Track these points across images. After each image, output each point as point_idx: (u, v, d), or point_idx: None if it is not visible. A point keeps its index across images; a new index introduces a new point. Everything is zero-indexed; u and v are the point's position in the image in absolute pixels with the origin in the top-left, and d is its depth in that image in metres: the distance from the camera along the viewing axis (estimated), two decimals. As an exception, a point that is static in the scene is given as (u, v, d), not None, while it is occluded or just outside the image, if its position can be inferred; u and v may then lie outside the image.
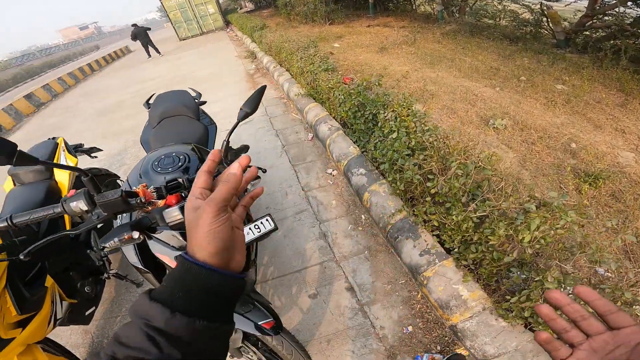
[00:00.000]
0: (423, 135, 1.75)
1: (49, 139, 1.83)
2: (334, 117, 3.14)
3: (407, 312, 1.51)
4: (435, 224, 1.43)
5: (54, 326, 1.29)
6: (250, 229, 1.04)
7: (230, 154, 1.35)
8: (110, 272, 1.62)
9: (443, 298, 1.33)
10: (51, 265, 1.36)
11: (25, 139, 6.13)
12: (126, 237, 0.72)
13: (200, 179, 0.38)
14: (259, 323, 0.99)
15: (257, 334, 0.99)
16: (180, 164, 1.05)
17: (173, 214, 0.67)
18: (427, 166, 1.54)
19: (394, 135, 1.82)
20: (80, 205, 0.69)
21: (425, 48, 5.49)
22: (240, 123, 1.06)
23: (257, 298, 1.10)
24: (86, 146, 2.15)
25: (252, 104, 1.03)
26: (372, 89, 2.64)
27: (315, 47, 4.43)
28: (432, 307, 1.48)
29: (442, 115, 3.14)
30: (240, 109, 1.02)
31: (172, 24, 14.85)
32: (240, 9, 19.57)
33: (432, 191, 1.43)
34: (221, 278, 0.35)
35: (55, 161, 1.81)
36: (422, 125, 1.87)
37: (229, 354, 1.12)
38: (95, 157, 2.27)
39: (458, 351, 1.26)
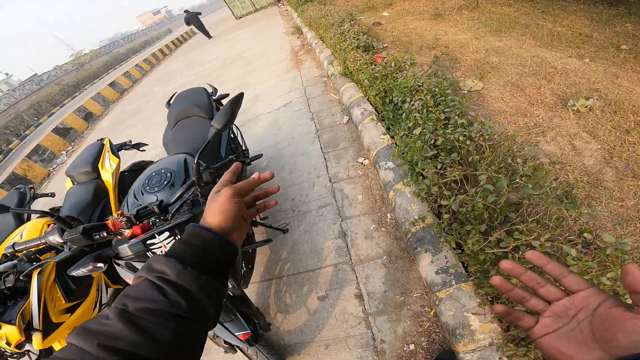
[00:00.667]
0: (454, 132, 1.49)
1: (98, 140, 2.07)
2: (368, 99, 2.90)
3: (414, 328, 1.40)
4: (453, 245, 1.25)
5: (99, 311, 1.53)
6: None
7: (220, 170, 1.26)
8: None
9: (451, 324, 1.19)
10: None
11: (110, 124, 7.17)
12: (92, 266, 0.78)
13: (226, 176, 0.50)
14: (235, 334, 1.02)
15: (234, 342, 1.03)
16: (166, 182, 1.07)
17: (126, 251, 0.69)
18: (451, 175, 1.32)
19: (418, 130, 1.59)
20: (55, 238, 0.76)
21: (491, 12, 4.60)
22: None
23: (240, 308, 1.13)
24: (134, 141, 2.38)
25: (223, 119, 0.96)
26: (404, 69, 2.32)
27: (351, 20, 4.07)
28: (442, 328, 1.35)
29: (505, 93, 2.64)
30: (211, 125, 0.96)
31: (226, 3, 15.18)
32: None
33: (453, 207, 1.23)
34: (221, 241, 0.43)
35: (100, 162, 2.02)
36: (457, 117, 1.59)
37: (224, 350, 1.20)
38: (144, 150, 2.52)
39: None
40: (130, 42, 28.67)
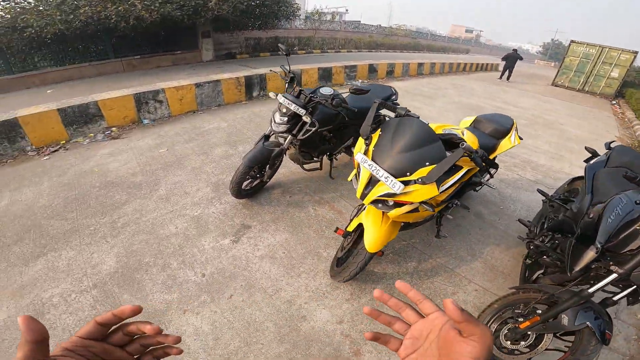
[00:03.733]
0: None
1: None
2: None
3: None
4: None
5: None
6: None
7: None
8: None
9: None
10: None
11: (403, 89, 8.27)
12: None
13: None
14: None
15: None
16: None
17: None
18: None
19: None
20: None
21: None
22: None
23: None
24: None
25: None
26: None
27: None
28: None
29: None
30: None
31: (559, 66, 14.00)
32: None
33: None
34: None
35: (507, 137, 2.38)
36: None
37: None
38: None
39: None
40: (433, 40, 31.65)
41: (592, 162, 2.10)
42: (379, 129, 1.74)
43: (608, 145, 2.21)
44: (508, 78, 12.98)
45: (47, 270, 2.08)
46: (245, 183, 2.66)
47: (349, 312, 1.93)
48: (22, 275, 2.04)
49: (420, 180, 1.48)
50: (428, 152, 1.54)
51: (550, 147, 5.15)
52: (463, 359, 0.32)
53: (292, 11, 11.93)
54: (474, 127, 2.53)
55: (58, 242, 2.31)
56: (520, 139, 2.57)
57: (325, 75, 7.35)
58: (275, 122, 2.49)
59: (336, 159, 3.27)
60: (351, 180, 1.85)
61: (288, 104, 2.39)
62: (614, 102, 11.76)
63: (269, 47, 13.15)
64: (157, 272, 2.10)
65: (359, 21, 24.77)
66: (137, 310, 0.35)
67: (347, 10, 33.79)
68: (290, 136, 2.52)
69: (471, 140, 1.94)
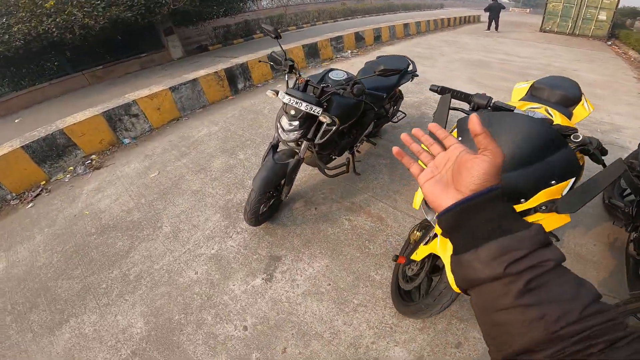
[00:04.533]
0: None
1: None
2: None
3: None
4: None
5: None
6: None
7: None
8: None
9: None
10: None
11: (399, 51, 7.62)
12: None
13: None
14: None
15: None
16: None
17: None
18: None
19: None
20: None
21: None
22: None
23: None
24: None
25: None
26: None
27: None
28: None
29: None
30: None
31: (544, 12, 13.36)
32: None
33: None
34: None
35: (580, 104, 1.90)
36: None
37: None
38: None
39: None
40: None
41: None
42: (454, 127, 1.24)
43: None
44: (496, 28, 12.46)
45: (77, 339, 1.79)
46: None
47: (427, 344, 1.59)
48: (54, 346, 1.77)
49: (546, 208, 0.99)
50: (553, 165, 1.02)
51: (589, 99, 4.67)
52: (474, 172, 0.36)
53: (256, -10, 11.11)
54: (532, 94, 2.01)
55: (74, 305, 1.97)
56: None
57: (312, 52, 6.66)
58: (283, 129, 1.94)
59: (358, 152, 2.77)
60: (420, 207, 1.34)
61: (297, 103, 1.84)
62: (609, 42, 11.31)
63: (240, 33, 12.25)
64: (192, 331, 1.75)
65: None
66: None
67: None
68: (305, 142, 2.00)
69: (566, 123, 1.42)
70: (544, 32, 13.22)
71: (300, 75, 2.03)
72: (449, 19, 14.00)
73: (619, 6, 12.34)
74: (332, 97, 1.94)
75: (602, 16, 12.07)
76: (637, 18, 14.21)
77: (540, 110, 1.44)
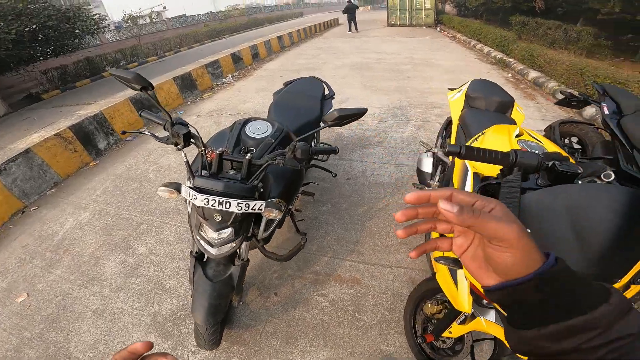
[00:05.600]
0: None
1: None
2: None
3: None
4: None
5: None
6: None
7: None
8: None
9: None
10: None
11: (280, 68, 7.39)
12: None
13: None
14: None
15: None
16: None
17: None
18: None
19: None
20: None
21: None
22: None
23: None
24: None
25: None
26: None
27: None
28: None
29: None
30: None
31: (387, 8, 15.55)
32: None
33: None
34: None
35: (514, 107, 1.84)
36: None
37: None
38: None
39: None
40: (268, 13, 31.12)
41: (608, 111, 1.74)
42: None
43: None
44: (356, 28, 13.69)
45: None
46: None
47: None
48: None
49: None
50: None
51: (454, 84, 5.25)
52: (501, 267, 0.30)
53: (93, 24, 9.47)
54: (470, 105, 1.88)
55: None
56: None
57: (187, 84, 5.71)
58: (209, 243, 1.28)
59: (297, 210, 2.20)
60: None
61: (221, 203, 1.17)
62: (438, 29, 13.89)
63: (84, 73, 10.00)
64: None
65: (185, 14, 22.24)
66: (149, 346, 0.35)
67: (165, 7, 29.32)
68: (246, 243, 1.40)
69: (554, 149, 1.18)
70: (391, 26, 15.37)
71: (205, 148, 1.29)
72: (315, 26, 14.77)
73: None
74: (263, 175, 1.31)
75: (427, 4, 14.75)
76: (446, 2, 17.82)
77: (528, 138, 1.23)
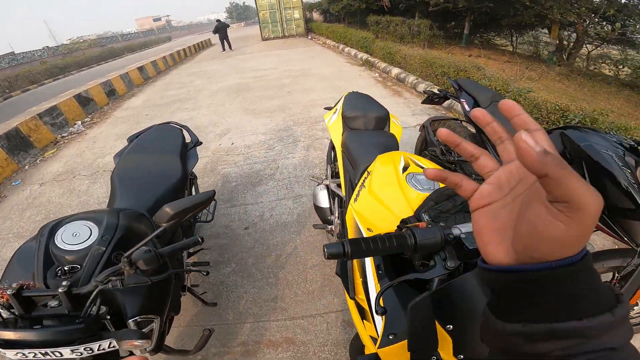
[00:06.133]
0: None
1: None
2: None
3: None
4: None
5: None
6: None
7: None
8: None
9: None
10: None
11: (148, 105, 6.34)
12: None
13: None
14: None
15: None
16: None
17: None
18: None
19: None
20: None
21: (552, 87, 5.22)
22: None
23: None
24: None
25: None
26: None
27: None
28: None
29: None
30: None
31: (259, 23, 15.60)
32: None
33: None
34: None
35: (392, 119, 1.80)
36: None
37: None
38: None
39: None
40: (128, 40, 27.62)
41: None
42: None
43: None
44: (230, 47, 13.21)
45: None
46: None
47: None
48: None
49: None
50: None
51: (333, 92, 5.30)
52: (541, 235, 0.22)
53: None
54: (350, 127, 1.71)
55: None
56: None
57: (17, 144, 4.21)
58: None
59: (195, 285, 1.87)
60: None
61: (51, 355, 0.80)
62: (310, 37, 14.64)
63: None
64: None
65: (13, 52, 17.81)
66: None
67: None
68: None
69: None
70: (265, 40, 15.50)
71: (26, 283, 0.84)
72: (184, 50, 13.63)
73: (304, 1, 16.06)
74: (104, 294, 0.89)
75: (296, 14, 15.45)
76: (314, 10, 19.04)
77: (415, 170, 1.07)
